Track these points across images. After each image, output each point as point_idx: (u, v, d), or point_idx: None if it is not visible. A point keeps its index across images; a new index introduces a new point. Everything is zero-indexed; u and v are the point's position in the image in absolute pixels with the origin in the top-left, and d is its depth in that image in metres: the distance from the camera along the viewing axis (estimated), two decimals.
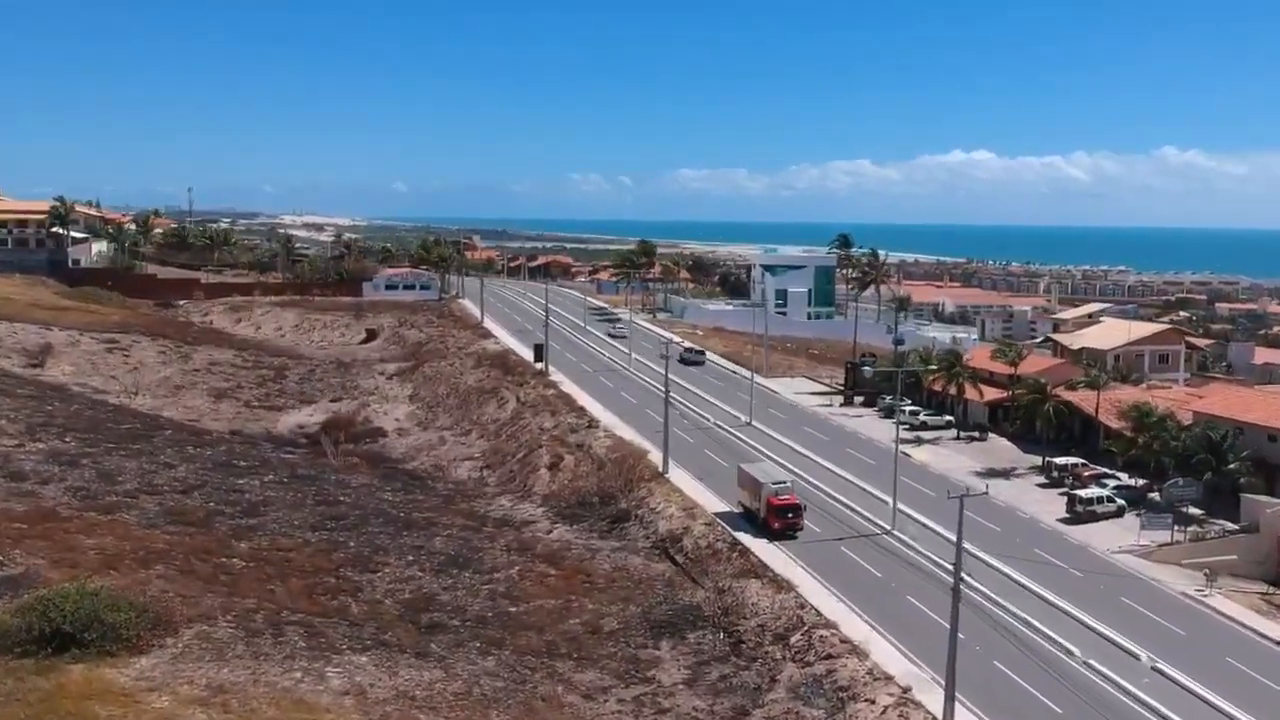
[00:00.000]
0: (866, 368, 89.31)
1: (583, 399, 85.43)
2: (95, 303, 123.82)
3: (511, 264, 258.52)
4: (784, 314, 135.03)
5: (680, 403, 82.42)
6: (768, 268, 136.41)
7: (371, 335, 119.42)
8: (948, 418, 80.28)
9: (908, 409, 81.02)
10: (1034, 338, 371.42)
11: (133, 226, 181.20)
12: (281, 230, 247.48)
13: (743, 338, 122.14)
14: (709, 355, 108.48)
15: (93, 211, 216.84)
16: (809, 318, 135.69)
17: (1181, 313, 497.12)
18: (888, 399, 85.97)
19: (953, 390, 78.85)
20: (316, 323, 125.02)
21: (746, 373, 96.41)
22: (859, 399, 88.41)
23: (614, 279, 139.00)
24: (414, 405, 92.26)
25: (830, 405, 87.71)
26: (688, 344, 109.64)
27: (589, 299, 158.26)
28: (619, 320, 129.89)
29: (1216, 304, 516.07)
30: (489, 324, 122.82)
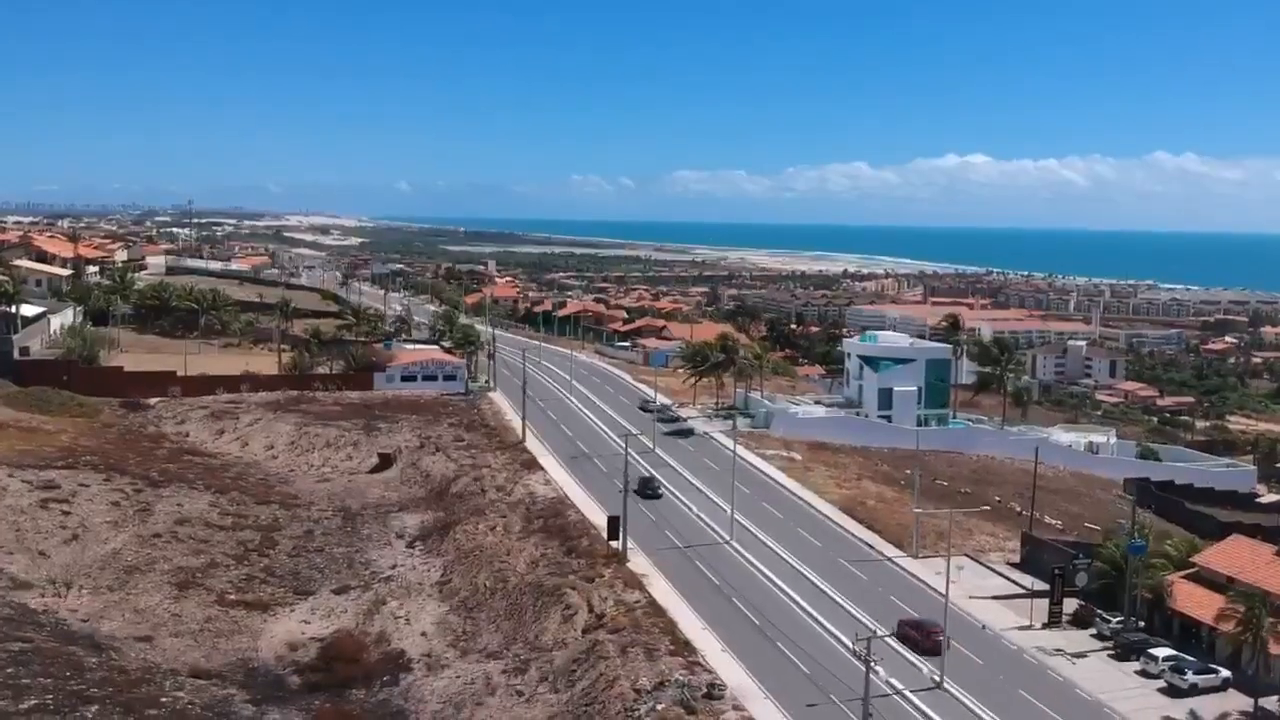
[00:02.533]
0: (1081, 571, 64.46)
1: (684, 618, 60.99)
2: (42, 412, 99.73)
3: (534, 307, 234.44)
4: (888, 419, 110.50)
5: (812, 621, 58.11)
6: (867, 359, 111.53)
7: (385, 461, 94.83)
8: (1224, 674, 55.25)
9: (1160, 656, 56.44)
10: (1089, 375, 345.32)
11: (103, 280, 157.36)
12: (281, 279, 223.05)
13: (852, 461, 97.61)
14: (820, 505, 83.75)
15: (62, 248, 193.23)
16: (920, 422, 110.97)
17: (1228, 337, 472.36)
18: (1112, 622, 61.40)
19: (1245, 636, 53.36)
20: (317, 439, 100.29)
21: (883, 547, 72.54)
22: (1066, 614, 63.60)
23: (683, 375, 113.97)
24: (446, 605, 67.62)
25: (1028, 625, 62.91)
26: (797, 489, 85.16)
27: (638, 379, 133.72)
28: (688, 428, 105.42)
29: (1261, 328, 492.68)
30: (532, 442, 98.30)
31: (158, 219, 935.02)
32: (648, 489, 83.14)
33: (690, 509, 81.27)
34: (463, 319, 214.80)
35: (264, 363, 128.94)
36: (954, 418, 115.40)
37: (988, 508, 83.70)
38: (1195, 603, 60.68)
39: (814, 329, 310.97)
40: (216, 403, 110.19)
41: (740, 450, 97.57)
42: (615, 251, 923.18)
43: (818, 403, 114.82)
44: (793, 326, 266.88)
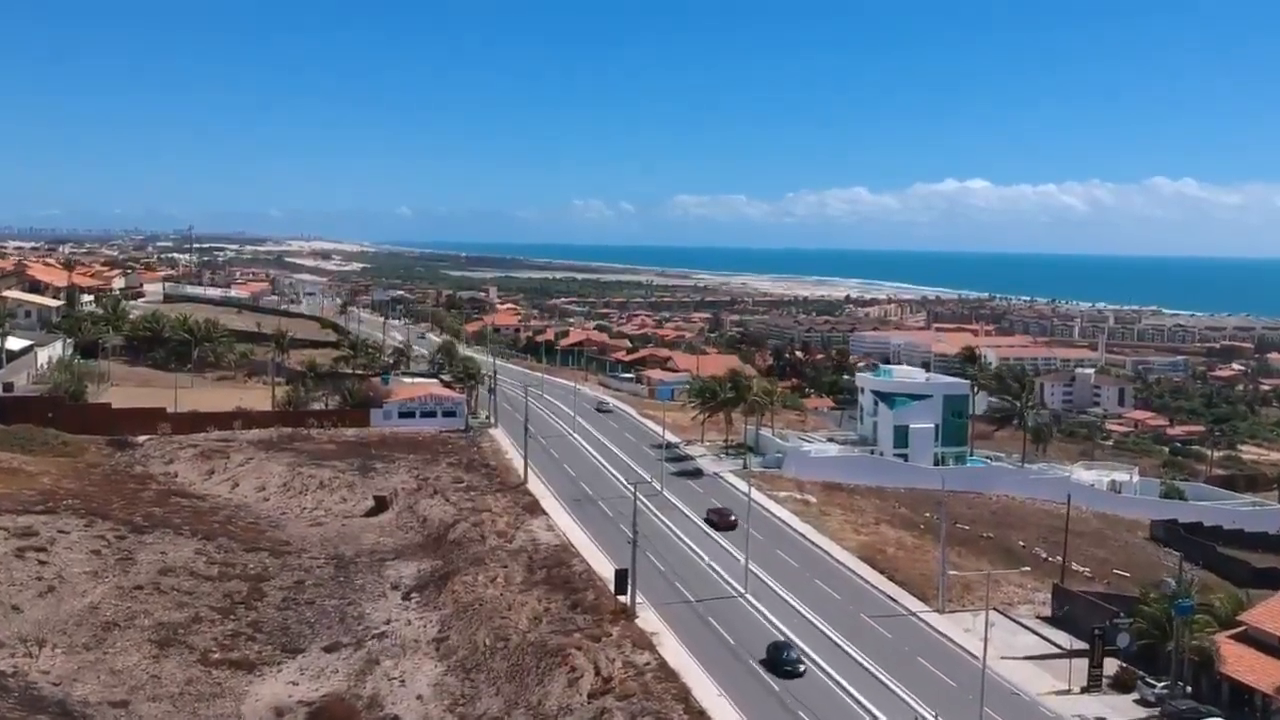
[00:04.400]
0: (1123, 632, 60.27)
1: (698, 683, 56.80)
2: (24, 452, 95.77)
3: (536, 337, 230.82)
4: (905, 457, 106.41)
5: (835, 686, 53.96)
6: (882, 395, 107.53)
7: (381, 505, 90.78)
8: None
9: None
10: (1097, 404, 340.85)
11: (96, 308, 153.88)
12: (278, 311, 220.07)
13: (868, 503, 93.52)
14: (838, 552, 79.56)
15: (56, 276, 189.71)
16: (937, 461, 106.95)
17: (1235, 365, 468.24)
18: (1157, 687, 57.25)
19: None
20: (311, 480, 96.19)
21: (907, 600, 68.52)
22: (1106, 677, 59.43)
23: (691, 411, 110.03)
24: (443, 665, 63.40)
25: (1066, 689, 58.68)
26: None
27: (643, 414, 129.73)
28: (696, 468, 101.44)
29: (1267, 354, 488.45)
30: (534, 483, 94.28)
31: (159, 244, 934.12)
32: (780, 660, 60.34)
33: (701, 558, 77.15)
34: (463, 349, 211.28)
35: (258, 397, 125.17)
36: (972, 455, 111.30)
37: (1028, 569, 79.19)
38: (1246, 667, 56.54)
39: (819, 356, 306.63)
40: (207, 441, 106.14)
41: (752, 492, 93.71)
42: (617, 276, 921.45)
43: (830, 440, 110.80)
44: (798, 354, 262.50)
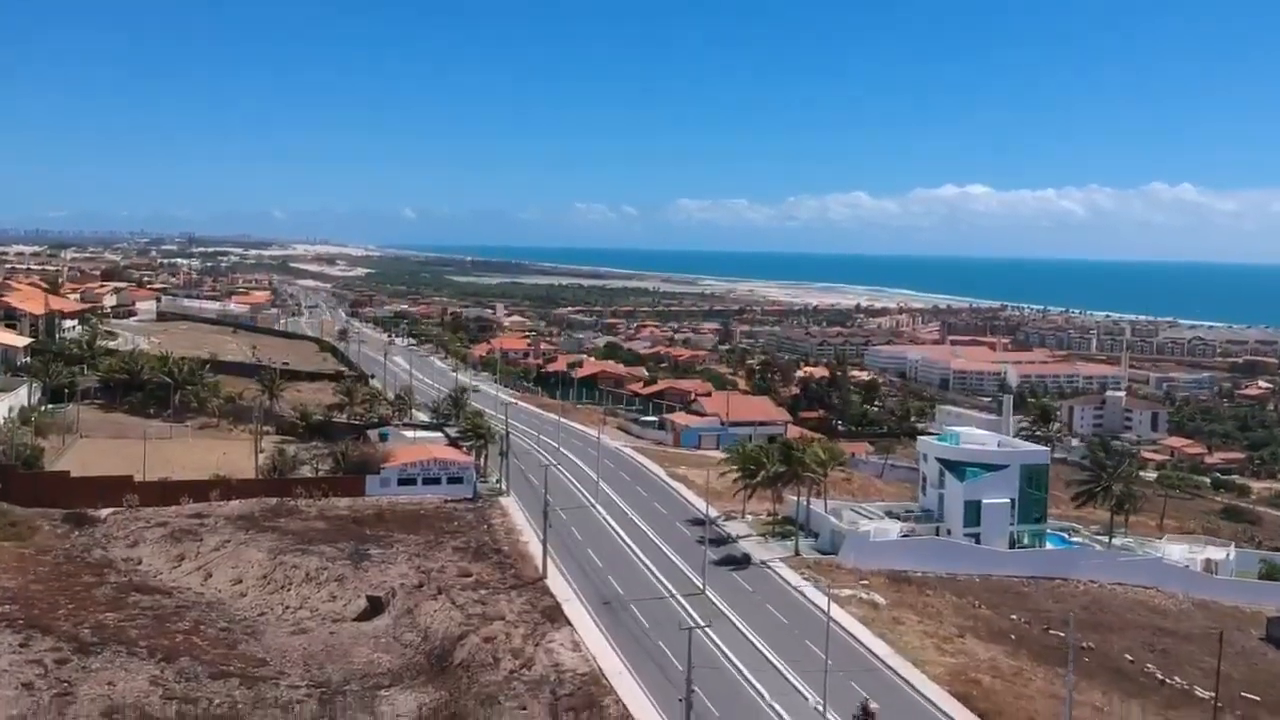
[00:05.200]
0: None
1: None
2: None
3: (547, 365, 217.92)
4: (976, 537, 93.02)
5: None
6: (949, 465, 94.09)
7: (375, 607, 77.40)
8: None
9: None
10: (1129, 428, 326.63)
11: (78, 331, 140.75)
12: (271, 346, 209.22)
13: (944, 603, 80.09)
14: (924, 684, 65.95)
15: (34, 303, 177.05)
16: (1012, 542, 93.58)
17: (1261, 381, 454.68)
18: None
19: None
20: (295, 571, 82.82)
21: None
22: None
23: (730, 477, 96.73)
24: None
25: None
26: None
27: (673, 476, 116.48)
28: (742, 553, 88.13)
29: None
30: (554, 577, 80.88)
31: (164, 247, 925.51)
32: None
33: (762, 696, 63.60)
34: (470, 377, 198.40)
35: (242, 451, 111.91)
36: (1050, 532, 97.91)
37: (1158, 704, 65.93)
38: None
39: (831, 371, 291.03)
40: (180, 516, 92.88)
41: (808, 589, 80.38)
42: (623, 283, 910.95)
43: (890, 515, 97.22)
44: (824, 375, 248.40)
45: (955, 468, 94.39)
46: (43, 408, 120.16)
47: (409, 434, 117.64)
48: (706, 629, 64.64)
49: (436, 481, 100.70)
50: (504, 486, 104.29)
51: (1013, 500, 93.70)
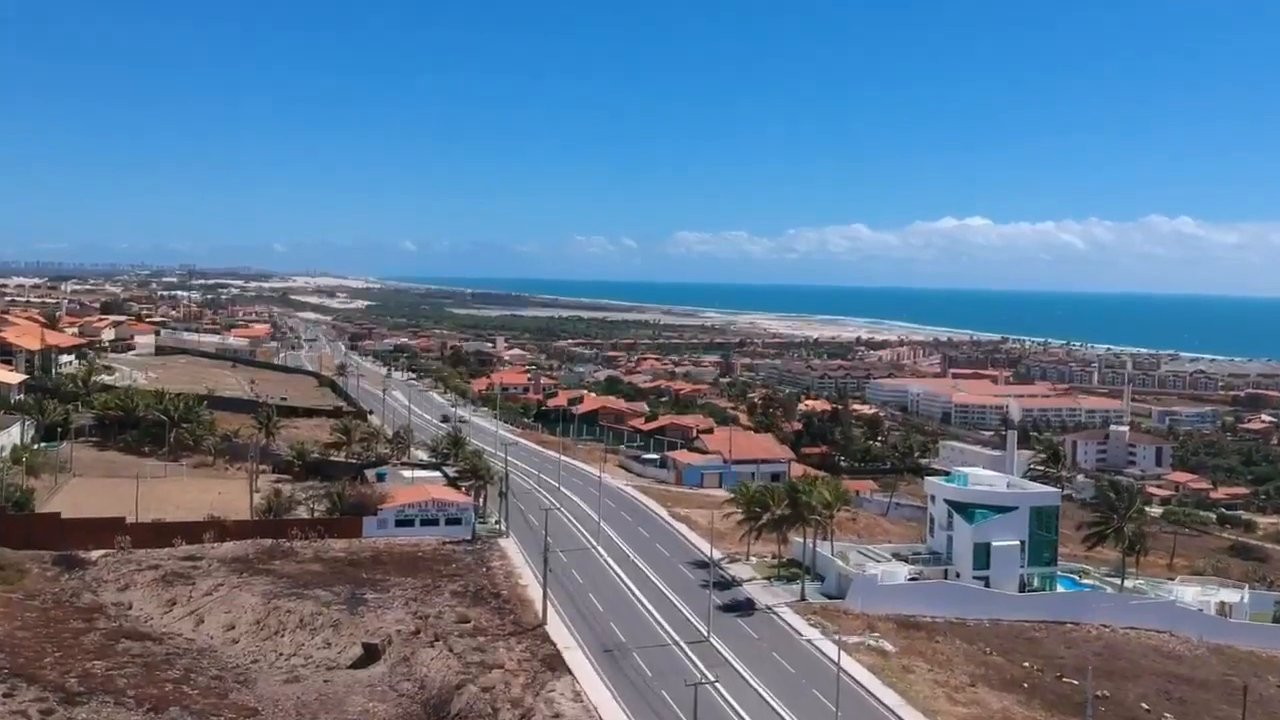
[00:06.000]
0: None
1: None
2: None
3: (548, 400, 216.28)
4: (985, 580, 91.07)
5: None
6: (958, 507, 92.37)
7: (371, 655, 75.35)
8: None
9: None
10: (1132, 463, 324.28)
11: (73, 367, 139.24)
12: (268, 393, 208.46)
13: (954, 650, 78.13)
14: None
15: (30, 339, 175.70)
16: (1023, 585, 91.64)
17: (1264, 415, 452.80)
18: None
19: None
20: (289, 617, 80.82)
21: None
22: None
23: (734, 519, 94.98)
24: None
25: None
26: None
27: (675, 517, 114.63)
28: (746, 598, 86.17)
29: None
30: (554, 623, 78.93)
31: (165, 279, 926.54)
32: None
33: None
34: (470, 412, 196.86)
35: (238, 490, 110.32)
36: (1060, 574, 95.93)
37: None
38: None
39: (833, 406, 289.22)
40: (172, 558, 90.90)
41: (815, 637, 78.39)
42: (623, 315, 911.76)
43: (897, 556, 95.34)
44: (825, 409, 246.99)
45: (964, 509, 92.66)
46: (35, 446, 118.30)
47: (407, 474, 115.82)
48: (715, 684, 62.64)
49: (435, 523, 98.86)
50: (503, 528, 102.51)
51: (1023, 542, 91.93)
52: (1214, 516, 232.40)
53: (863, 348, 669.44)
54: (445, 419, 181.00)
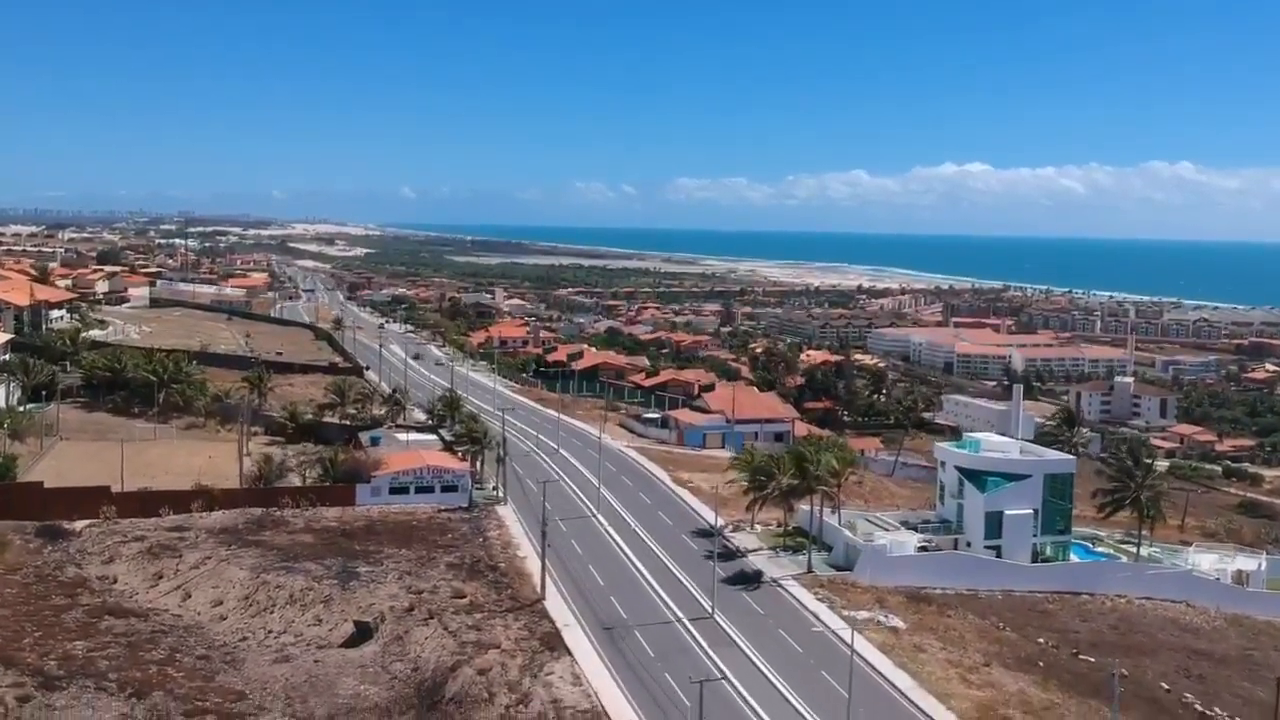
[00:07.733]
0: None
1: None
2: None
3: (547, 356, 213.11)
4: (997, 550, 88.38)
5: None
6: (969, 474, 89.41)
7: (363, 633, 72.85)
8: None
9: None
10: (1137, 414, 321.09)
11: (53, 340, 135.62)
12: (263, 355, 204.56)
13: (967, 626, 75.61)
14: None
15: (19, 294, 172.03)
16: (1036, 555, 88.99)
17: (1269, 365, 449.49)
18: None
19: None
20: (279, 592, 78.13)
21: None
22: None
23: (737, 487, 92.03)
24: None
25: None
26: None
27: (678, 482, 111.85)
28: (752, 570, 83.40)
29: None
30: (553, 598, 76.30)
31: (163, 227, 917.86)
32: None
33: None
34: (468, 368, 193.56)
35: (229, 453, 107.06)
36: (1073, 542, 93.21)
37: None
38: None
39: (836, 358, 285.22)
40: (159, 529, 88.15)
41: (823, 612, 75.81)
42: (623, 263, 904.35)
43: (906, 525, 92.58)
44: (826, 361, 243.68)
45: (975, 477, 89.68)
46: (21, 408, 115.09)
47: (402, 436, 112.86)
48: (720, 679, 60.02)
49: (430, 490, 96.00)
50: (501, 494, 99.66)
51: (1036, 511, 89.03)
52: (1220, 470, 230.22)
53: (864, 296, 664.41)
54: (417, 357, 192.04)
